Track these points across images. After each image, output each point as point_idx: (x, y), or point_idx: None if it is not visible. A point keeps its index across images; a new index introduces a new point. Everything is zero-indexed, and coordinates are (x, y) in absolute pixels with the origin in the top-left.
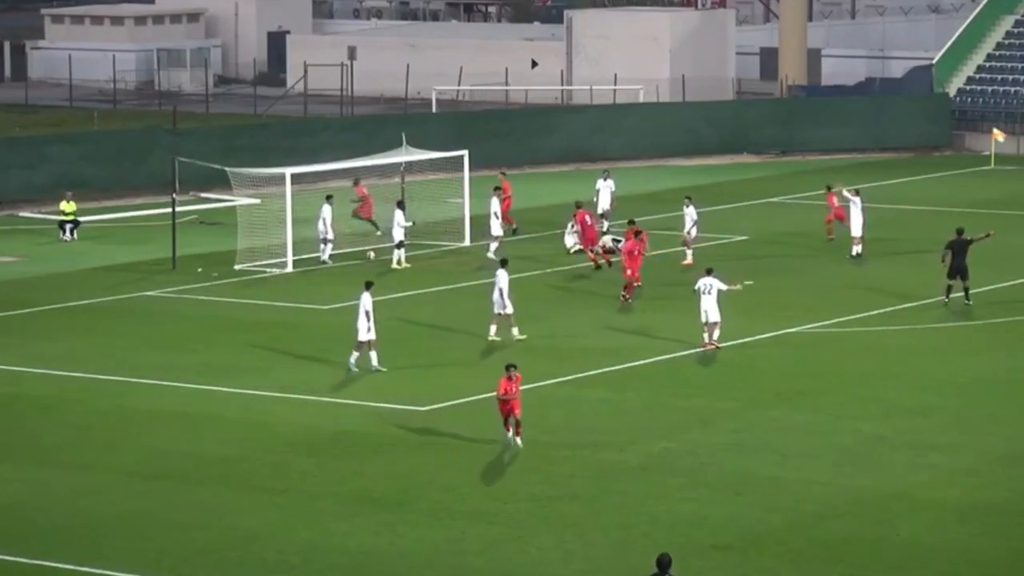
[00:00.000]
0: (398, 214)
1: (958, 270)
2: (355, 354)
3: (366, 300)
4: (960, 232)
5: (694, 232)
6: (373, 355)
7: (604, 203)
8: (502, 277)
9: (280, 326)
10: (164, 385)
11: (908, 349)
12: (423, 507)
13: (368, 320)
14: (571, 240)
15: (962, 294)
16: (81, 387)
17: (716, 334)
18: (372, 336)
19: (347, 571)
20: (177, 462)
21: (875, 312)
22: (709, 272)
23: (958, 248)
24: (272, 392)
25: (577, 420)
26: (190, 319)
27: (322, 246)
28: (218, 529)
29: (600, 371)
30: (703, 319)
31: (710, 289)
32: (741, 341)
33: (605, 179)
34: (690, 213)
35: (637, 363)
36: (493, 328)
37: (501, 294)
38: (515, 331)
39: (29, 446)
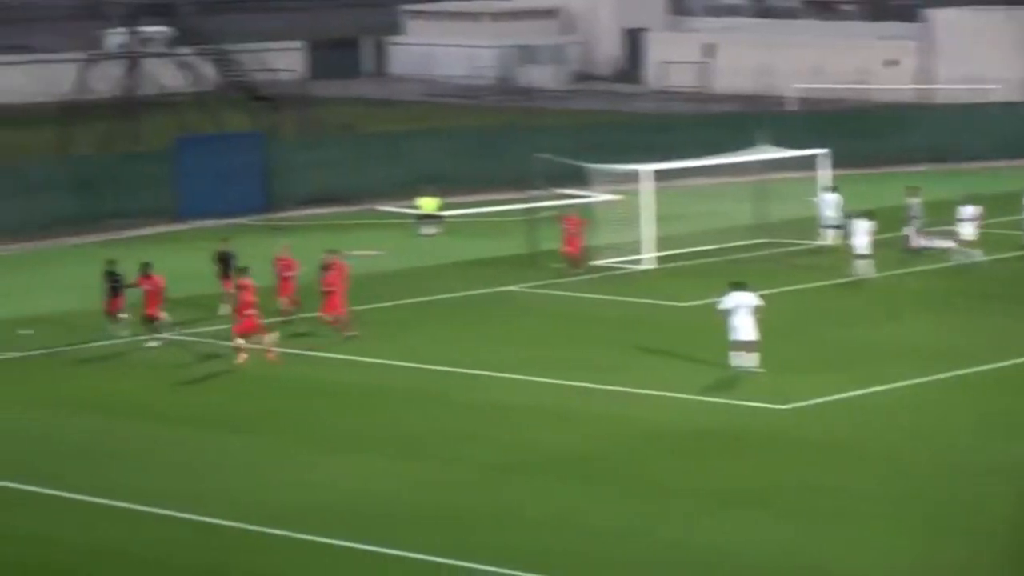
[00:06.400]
0: (828, 198)
1: None
2: (738, 354)
3: (751, 299)
4: None
5: None
6: (755, 356)
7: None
8: None
9: (639, 322)
10: (522, 380)
11: None
12: (782, 505)
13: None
14: None
15: None
16: (439, 380)
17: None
18: (756, 336)
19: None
20: (526, 456)
21: None
22: None
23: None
24: (631, 388)
25: None
26: (549, 315)
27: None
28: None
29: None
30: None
31: None
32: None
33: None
34: None
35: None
36: None
37: None
38: None
39: (395, 437)
